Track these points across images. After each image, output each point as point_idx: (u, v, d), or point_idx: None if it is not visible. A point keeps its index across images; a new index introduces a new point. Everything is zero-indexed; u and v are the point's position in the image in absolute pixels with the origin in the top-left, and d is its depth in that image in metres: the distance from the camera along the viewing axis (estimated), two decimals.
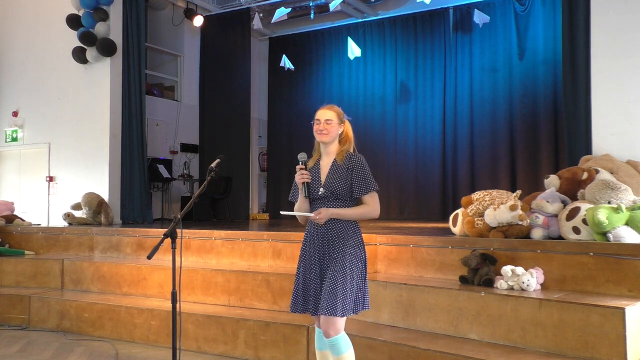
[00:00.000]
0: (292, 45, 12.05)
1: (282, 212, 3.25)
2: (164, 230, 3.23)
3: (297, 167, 3.23)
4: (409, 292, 4.28)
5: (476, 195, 4.93)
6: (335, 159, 3.28)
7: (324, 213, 3.15)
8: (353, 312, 3.15)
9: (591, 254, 3.90)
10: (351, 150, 3.34)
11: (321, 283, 3.17)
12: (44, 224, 8.73)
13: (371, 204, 3.24)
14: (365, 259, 3.25)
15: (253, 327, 4.64)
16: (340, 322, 3.14)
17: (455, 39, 10.37)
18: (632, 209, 4.15)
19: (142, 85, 8.92)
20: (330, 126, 3.26)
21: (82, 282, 6.26)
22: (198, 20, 10.47)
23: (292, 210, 3.33)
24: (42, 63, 9.35)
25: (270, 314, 4.85)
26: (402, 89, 10.83)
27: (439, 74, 10.46)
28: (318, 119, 3.28)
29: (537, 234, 4.50)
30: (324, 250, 3.20)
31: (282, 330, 4.50)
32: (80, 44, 8.61)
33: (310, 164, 3.36)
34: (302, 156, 3.25)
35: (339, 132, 3.32)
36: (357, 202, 3.27)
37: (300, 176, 3.21)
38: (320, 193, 3.22)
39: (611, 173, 4.93)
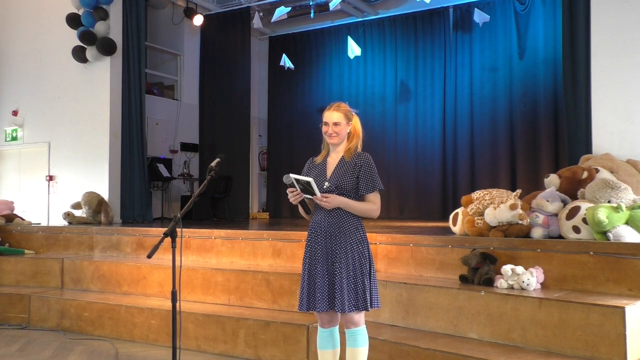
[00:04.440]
0: (292, 45, 12.04)
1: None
2: (164, 230, 3.24)
3: (288, 190, 3.16)
4: (409, 292, 4.28)
5: (476, 194, 4.92)
6: (343, 156, 3.31)
7: (332, 198, 3.16)
8: (363, 308, 3.17)
9: (591, 253, 3.90)
10: (359, 146, 3.36)
11: (329, 280, 3.18)
12: (44, 223, 8.72)
13: (376, 203, 3.28)
14: (370, 255, 3.26)
15: (253, 327, 4.64)
16: (357, 316, 3.20)
17: (455, 38, 10.36)
18: (632, 208, 4.15)
19: (142, 84, 8.91)
20: (339, 128, 3.29)
21: (82, 282, 6.26)
22: (198, 20, 10.46)
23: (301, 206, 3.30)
24: (42, 62, 9.34)
25: (270, 313, 4.85)
26: (402, 88, 10.83)
27: (439, 73, 10.46)
28: (326, 122, 3.30)
29: (537, 233, 4.49)
30: (329, 245, 3.21)
31: (282, 330, 4.50)
32: (80, 43, 8.61)
33: (319, 159, 3.38)
34: (287, 179, 3.11)
35: (348, 130, 3.34)
36: (360, 200, 3.29)
37: (294, 198, 3.17)
38: (325, 187, 3.23)
39: (611, 172, 4.92)
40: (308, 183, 3.08)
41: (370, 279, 3.21)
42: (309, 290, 3.23)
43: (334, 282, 3.16)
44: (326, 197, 3.15)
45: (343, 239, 3.19)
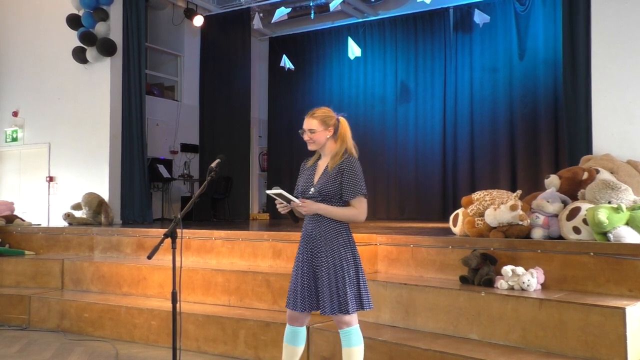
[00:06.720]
0: (292, 45, 12.05)
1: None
2: (164, 230, 3.24)
3: (276, 202, 3.26)
4: (409, 292, 4.27)
5: (476, 195, 4.92)
6: (330, 161, 3.31)
7: (308, 203, 3.20)
8: (345, 311, 3.17)
9: (591, 253, 3.90)
10: (351, 147, 3.33)
11: (314, 283, 3.24)
12: (44, 224, 8.73)
13: (358, 208, 3.25)
14: (355, 258, 3.25)
15: (253, 327, 4.64)
16: (347, 317, 3.21)
17: (455, 38, 10.37)
18: (632, 208, 4.15)
19: (142, 85, 8.91)
20: (315, 135, 3.29)
21: (82, 282, 6.26)
22: (198, 20, 10.46)
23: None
24: (42, 63, 9.35)
25: (270, 313, 4.84)
26: (402, 89, 10.83)
27: (439, 74, 10.46)
28: (303, 129, 3.32)
29: (537, 233, 4.49)
30: (312, 249, 3.26)
31: (283, 330, 4.46)
32: (80, 44, 8.61)
33: (310, 163, 3.41)
34: (274, 189, 3.18)
35: (328, 136, 3.31)
36: (345, 205, 3.29)
37: (282, 208, 3.27)
38: (310, 193, 3.26)
39: (611, 173, 4.92)
40: (280, 194, 3.15)
41: (357, 281, 3.21)
42: (294, 289, 3.31)
43: (317, 285, 3.22)
44: (303, 202, 3.17)
45: (324, 243, 3.22)
